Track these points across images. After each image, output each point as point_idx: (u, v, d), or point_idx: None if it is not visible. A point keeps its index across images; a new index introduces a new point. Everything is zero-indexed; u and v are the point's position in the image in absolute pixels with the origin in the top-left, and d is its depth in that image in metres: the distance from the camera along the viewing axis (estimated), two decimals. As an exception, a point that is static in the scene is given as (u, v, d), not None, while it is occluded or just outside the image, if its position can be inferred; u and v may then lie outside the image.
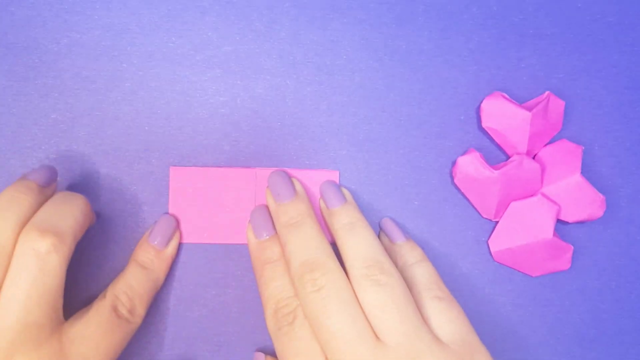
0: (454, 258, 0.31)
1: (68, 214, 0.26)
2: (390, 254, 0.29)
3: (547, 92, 0.31)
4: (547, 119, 0.31)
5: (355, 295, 0.25)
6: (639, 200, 0.32)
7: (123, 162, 0.31)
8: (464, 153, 0.31)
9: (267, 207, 0.30)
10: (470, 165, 0.31)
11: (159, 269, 0.30)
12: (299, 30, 0.32)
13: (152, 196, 0.31)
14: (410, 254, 0.29)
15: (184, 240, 0.31)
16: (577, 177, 0.31)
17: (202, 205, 0.31)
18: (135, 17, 0.31)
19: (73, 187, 0.31)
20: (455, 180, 0.31)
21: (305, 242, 0.27)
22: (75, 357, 0.25)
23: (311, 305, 0.25)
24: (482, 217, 0.31)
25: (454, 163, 0.31)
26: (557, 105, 0.31)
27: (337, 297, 0.25)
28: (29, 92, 0.31)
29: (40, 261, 0.24)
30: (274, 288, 0.27)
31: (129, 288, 0.28)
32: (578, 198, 0.31)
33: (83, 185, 0.31)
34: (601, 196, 0.31)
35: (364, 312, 0.25)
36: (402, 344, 0.24)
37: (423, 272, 0.28)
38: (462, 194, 0.31)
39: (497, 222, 0.31)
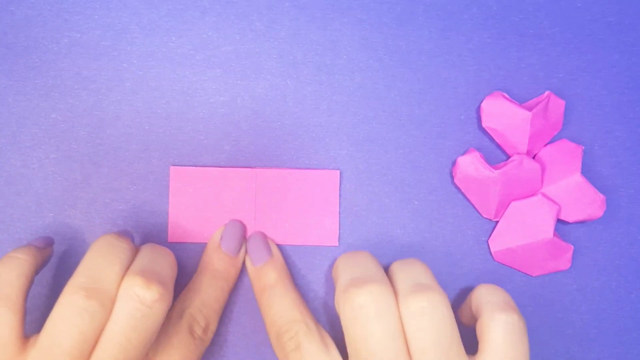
0: (454, 258, 0.31)
1: (166, 264, 0.26)
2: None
3: (547, 92, 0.31)
4: (547, 119, 0.31)
5: (401, 322, 0.24)
6: (639, 200, 0.32)
7: (123, 162, 0.31)
8: (464, 153, 0.31)
9: (262, 233, 0.30)
10: (470, 165, 0.30)
11: (233, 277, 0.29)
12: (299, 30, 0.32)
13: (152, 196, 0.31)
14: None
15: (184, 240, 0.31)
16: (577, 177, 0.31)
17: (202, 205, 0.30)
18: (135, 17, 0.31)
19: (73, 187, 0.31)
20: (455, 180, 0.31)
21: (356, 265, 0.26)
22: None
23: (349, 322, 0.25)
24: (482, 217, 0.31)
25: (454, 163, 0.31)
26: (557, 105, 0.31)
27: (379, 318, 0.24)
28: (29, 92, 0.31)
29: (144, 307, 0.24)
30: (274, 314, 0.28)
31: (204, 306, 0.28)
32: (578, 198, 0.31)
33: (83, 185, 0.31)
34: (601, 196, 0.31)
35: (406, 345, 0.24)
36: None
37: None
38: (462, 194, 0.31)
39: (497, 222, 0.31)
